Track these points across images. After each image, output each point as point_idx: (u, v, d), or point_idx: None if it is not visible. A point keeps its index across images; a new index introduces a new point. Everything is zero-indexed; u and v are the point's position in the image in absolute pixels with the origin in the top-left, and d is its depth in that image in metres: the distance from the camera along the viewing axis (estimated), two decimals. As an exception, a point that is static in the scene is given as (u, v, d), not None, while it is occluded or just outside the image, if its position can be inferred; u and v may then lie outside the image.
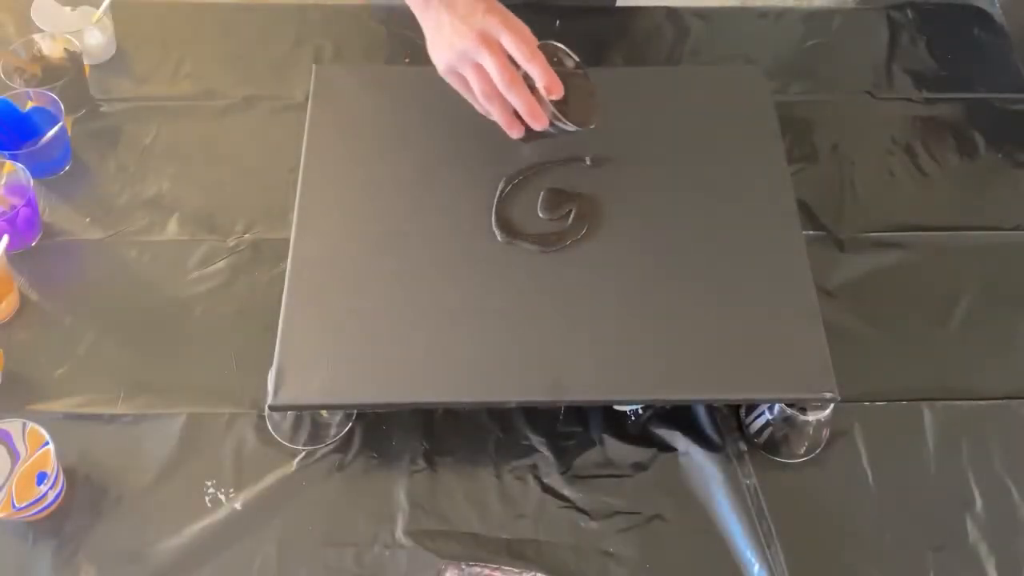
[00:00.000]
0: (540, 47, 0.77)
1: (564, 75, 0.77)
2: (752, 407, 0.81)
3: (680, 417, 0.82)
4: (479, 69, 0.76)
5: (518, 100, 0.76)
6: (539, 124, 0.77)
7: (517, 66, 0.76)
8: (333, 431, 0.80)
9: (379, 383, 0.75)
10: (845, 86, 1.07)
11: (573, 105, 0.78)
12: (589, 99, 0.80)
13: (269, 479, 0.78)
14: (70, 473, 0.78)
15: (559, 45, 0.80)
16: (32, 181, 0.88)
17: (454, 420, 0.82)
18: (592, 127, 0.79)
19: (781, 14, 1.13)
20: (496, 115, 0.79)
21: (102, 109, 1.00)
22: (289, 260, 0.81)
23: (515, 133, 0.80)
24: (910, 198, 0.98)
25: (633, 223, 0.85)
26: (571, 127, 0.78)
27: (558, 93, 0.76)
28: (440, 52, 0.78)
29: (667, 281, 0.81)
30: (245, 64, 1.04)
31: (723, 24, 1.12)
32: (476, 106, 0.81)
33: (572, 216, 0.85)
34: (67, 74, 0.96)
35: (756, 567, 0.75)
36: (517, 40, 0.75)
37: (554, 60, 0.78)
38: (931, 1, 1.15)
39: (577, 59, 0.81)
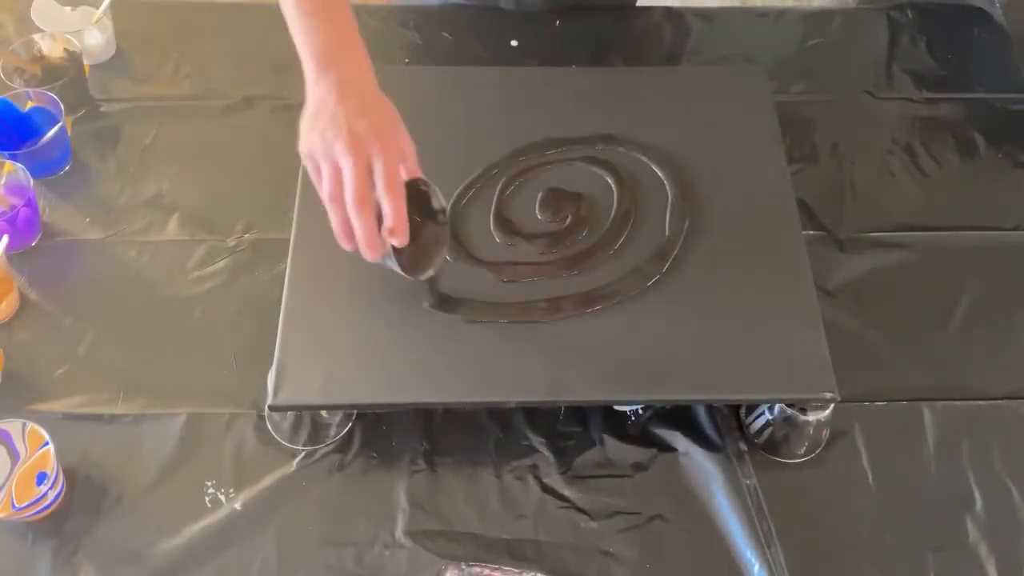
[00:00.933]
0: (409, 183, 0.70)
1: (419, 220, 0.72)
2: (752, 407, 0.81)
3: (680, 417, 0.82)
4: (336, 171, 0.68)
5: (359, 224, 0.68)
6: (369, 255, 0.70)
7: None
8: (333, 431, 0.80)
9: (379, 383, 0.75)
10: (845, 86, 1.07)
11: (412, 252, 0.72)
12: (434, 247, 0.75)
13: (269, 479, 0.78)
14: (70, 473, 0.78)
15: (431, 186, 0.73)
16: (32, 181, 0.88)
17: (454, 420, 0.82)
18: (426, 276, 0.75)
19: (781, 14, 1.13)
20: (332, 219, 0.70)
21: (102, 109, 1.00)
22: (289, 260, 0.81)
23: (344, 244, 0.71)
24: (910, 198, 0.98)
25: (633, 223, 0.85)
26: (399, 271, 0.72)
27: (399, 240, 0.69)
28: (309, 132, 0.70)
29: (667, 281, 0.81)
30: (245, 64, 1.04)
31: (723, 24, 1.12)
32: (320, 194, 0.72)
33: (571, 217, 0.85)
34: (67, 74, 0.97)
35: (756, 567, 0.75)
36: (388, 165, 0.68)
37: (417, 197, 0.72)
38: (931, 1, 1.15)
39: (444, 204, 0.75)
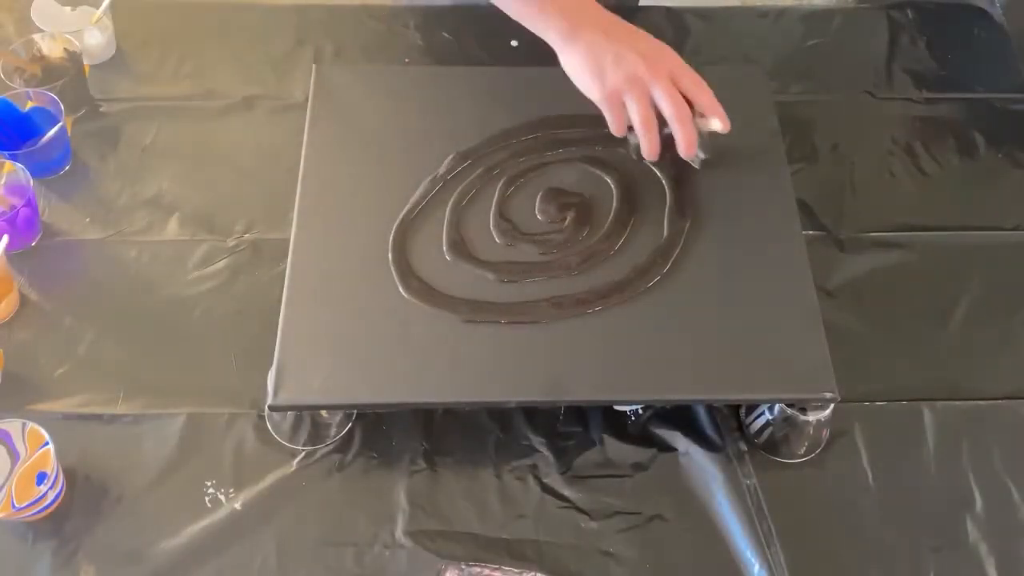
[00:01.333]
0: None
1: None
2: (752, 407, 0.81)
3: (680, 417, 0.82)
4: (646, 99, 0.77)
5: (685, 135, 0.78)
6: (687, 152, 0.80)
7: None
8: (333, 431, 0.80)
9: (379, 383, 0.75)
10: (845, 86, 1.07)
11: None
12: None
13: (269, 479, 0.78)
14: (70, 473, 0.78)
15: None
16: (32, 181, 0.88)
17: (454, 420, 0.82)
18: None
19: (781, 14, 1.13)
20: (645, 141, 0.80)
21: (102, 109, 1.00)
22: (289, 260, 0.81)
23: (655, 156, 0.81)
24: (910, 198, 0.98)
25: (633, 223, 0.85)
26: (703, 156, 0.83)
27: (725, 127, 0.80)
28: (601, 76, 0.78)
29: (667, 281, 0.81)
30: (245, 64, 1.04)
31: (723, 24, 1.12)
32: (613, 127, 0.81)
33: (571, 217, 0.85)
34: (67, 74, 0.96)
35: (756, 567, 0.75)
36: (687, 71, 0.79)
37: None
38: (931, 1, 1.15)
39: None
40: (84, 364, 0.83)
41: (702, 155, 0.82)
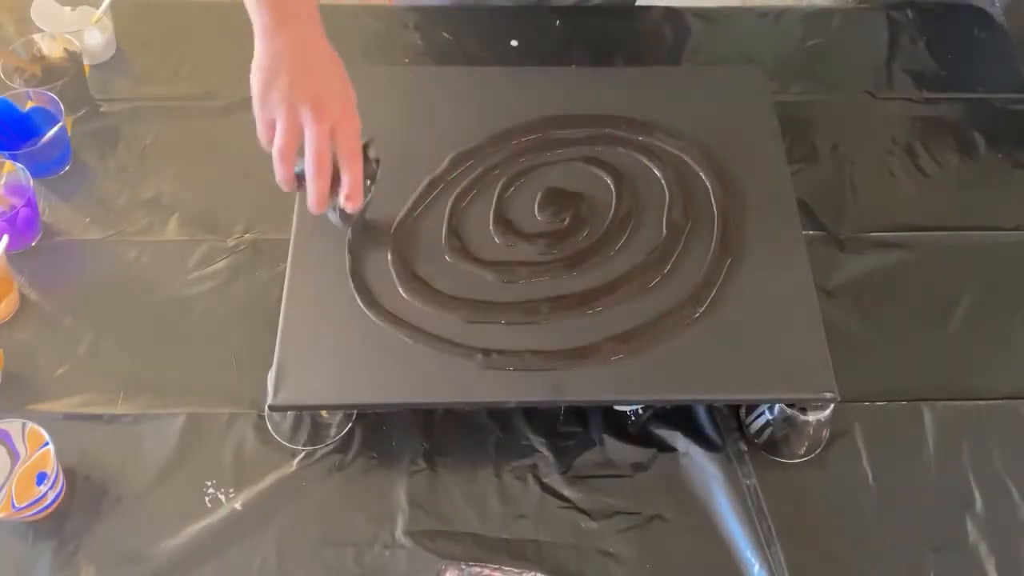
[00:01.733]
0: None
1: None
2: (752, 407, 0.81)
3: (680, 417, 0.82)
4: (292, 128, 0.72)
5: (317, 187, 0.73)
6: (316, 211, 0.75)
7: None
8: (333, 431, 0.80)
9: (379, 383, 0.75)
10: (845, 86, 1.07)
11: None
12: (367, 190, 0.79)
13: (269, 479, 0.78)
14: (70, 473, 0.78)
15: (367, 142, 0.78)
16: (32, 181, 0.88)
17: (454, 420, 0.82)
18: (356, 220, 0.80)
19: (781, 14, 1.13)
20: (277, 171, 0.74)
21: (102, 109, 1.00)
22: (289, 260, 0.81)
23: (286, 188, 0.76)
24: (910, 198, 0.98)
25: (633, 223, 0.85)
26: (337, 223, 0.80)
27: (355, 207, 0.75)
28: (267, 90, 0.73)
29: (667, 281, 0.81)
30: (245, 64, 1.03)
31: (723, 24, 1.12)
32: (260, 141, 0.76)
33: (571, 217, 0.85)
34: (67, 74, 0.97)
35: (756, 567, 0.75)
36: (351, 133, 0.73)
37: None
38: (931, 1, 1.15)
39: (377, 157, 0.80)
40: (84, 364, 0.83)
41: (334, 219, 0.79)
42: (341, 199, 0.75)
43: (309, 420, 0.79)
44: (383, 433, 0.81)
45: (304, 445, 0.80)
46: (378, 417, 0.82)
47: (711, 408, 0.82)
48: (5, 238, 0.83)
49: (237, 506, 0.77)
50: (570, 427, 0.82)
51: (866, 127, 1.03)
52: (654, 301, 0.80)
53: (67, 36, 0.98)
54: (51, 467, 0.74)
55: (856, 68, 1.08)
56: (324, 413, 0.79)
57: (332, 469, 0.79)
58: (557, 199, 0.86)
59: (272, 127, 0.73)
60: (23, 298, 0.87)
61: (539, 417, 0.82)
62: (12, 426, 0.75)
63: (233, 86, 1.02)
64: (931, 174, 1.00)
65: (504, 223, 0.84)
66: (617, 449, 0.81)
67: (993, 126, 1.04)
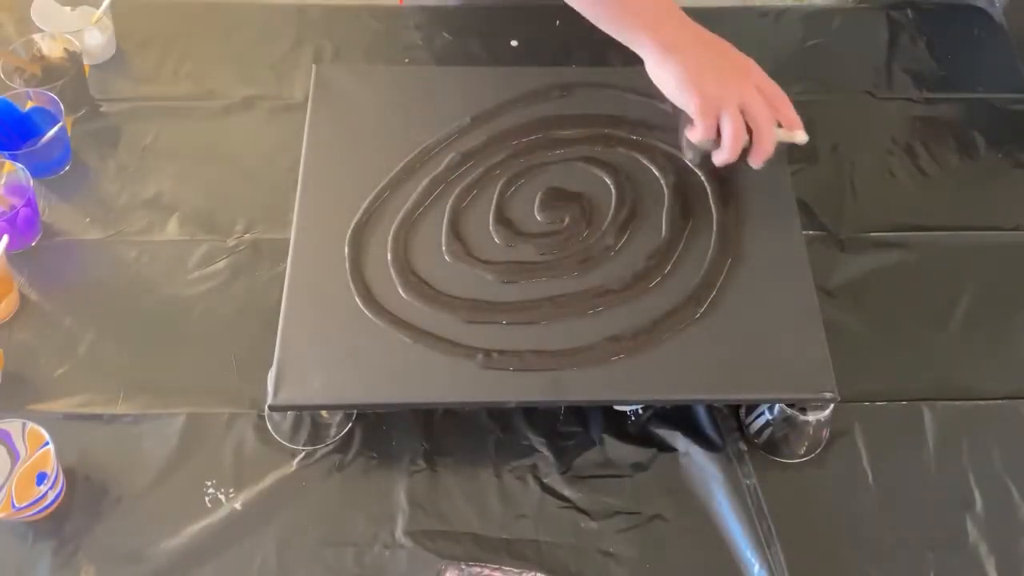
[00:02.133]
0: None
1: None
2: (752, 407, 0.81)
3: (680, 417, 0.82)
4: (738, 112, 0.79)
5: (764, 147, 0.81)
6: (759, 163, 0.82)
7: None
8: (333, 431, 0.80)
9: (379, 383, 0.75)
10: (845, 86, 1.07)
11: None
12: None
13: (269, 479, 0.78)
14: (70, 473, 0.78)
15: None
16: (32, 181, 0.88)
17: (454, 420, 0.82)
18: None
19: (781, 14, 1.13)
20: (729, 152, 0.81)
21: (102, 109, 1.00)
22: (289, 260, 0.81)
23: (728, 161, 0.82)
24: (910, 198, 0.98)
25: (633, 223, 0.85)
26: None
27: (805, 139, 0.83)
28: (708, 86, 0.80)
29: (667, 281, 0.81)
30: (245, 64, 1.04)
31: (723, 24, 1.10)
32: (699, 133, 0.81)
33: (571, 217, 0.85)
34: (67, 74, 0.96)
35: (756, 567, 0.75)
36: (774, 87, 0.82)
37: None
38: (931, 1, 1.15)
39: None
40: (84, 364, 0.83)
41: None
42: (798, 136, 0.83)
43: (309, 420, 0.79)
44: (383, 433, 0.81)
45: (304, 445, 0.80)
46: (378, 417, 0.82)
47: (711, 408, 0.82)
48: (5, 238, 0.83)
49: (237, 506, 0.77)
50: (570, 427, 0.82)
51: (866, 127, 1.03)
52: (654, 301, 0.80)
53: (67, 36, 0.98)
54: (51, 467, 0.74)
55: (856, 68, 1.08)
56: (324, 413, 0.79)
57: (332, 469, 0.79)
58: (557, 199, 0.86)
59: (715, 119, 0.80)
60: (23, 298, 0.87)
61: (539, 417, 0.82)
62: (12, 426, 0.75)
63: (233, 86, 1.02)
64: (931, 174, 1.00)
65: (504, 223, 0.84)
66: (617, 449, 0.81)
67: (993, 126, 1.04)
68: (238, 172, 0.96)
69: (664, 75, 0.81)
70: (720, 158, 0.82)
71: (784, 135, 0.82)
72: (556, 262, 0.82)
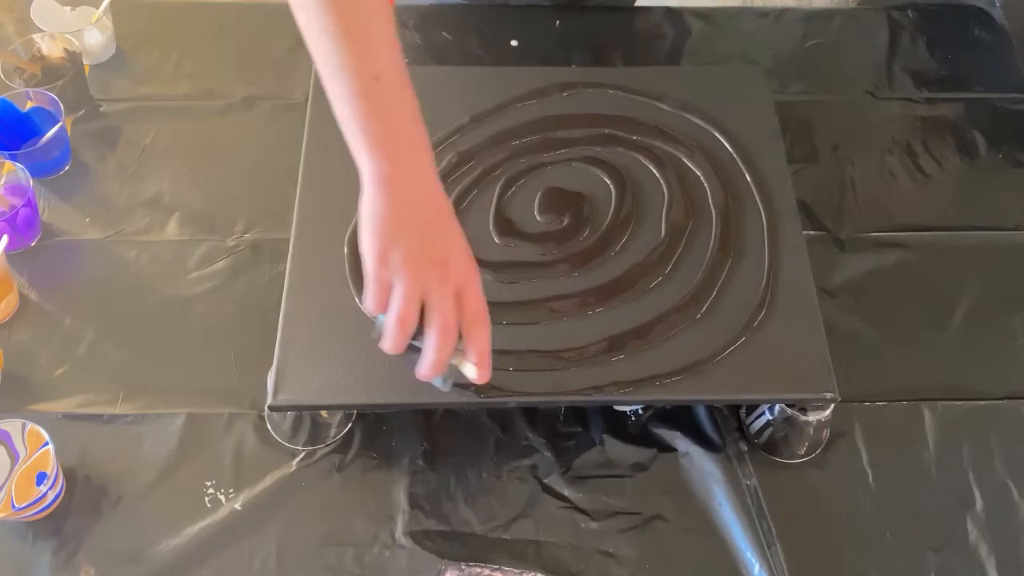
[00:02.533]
0: None
1: None
2: (752, 407, 0.81)
3: (680, 417, 0.82)
4: (412, 294, 0.64)
5: (437, 358, 0.65)
6: (430, 377, 0.67)
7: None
8: (333, 431, 0.80)
9: (379, 383, 0.75)
10: (845, 86, 1.07)
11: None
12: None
13: (269, 479, 0.78)
14: (70, 473, 0.78)
15: None
16: (32, 181, 0.88)
17: (454, 420, 0.82)
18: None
19: (781, 14, 1.13)
20: (393, 339, 0.65)
21: (102, 109, 1.00)
22: (289, 260, 0.81)
23: (394, 351, 0.67)
24: (910, 198, 0.98)
25: (633, 223, 0.85)
26: (445, 389, 0.71)
27: (485, 378, 0.67)
28: (383, 247, 0.64)
29: (667, 281, 0.81)
30: (245, 64, 1.04)
31: (723, 24, 1.12)
32: (367, 306, 0.67)
33: (571, 217, 0.85)
34: (67, 74, 0.96)
35: (756, 567, 0.75)
36: (476, 293, 0.66)
37: None
38: (931, 1, 1.15)
39: None
40: (84, 364, 0.83)
41: (442, 385, 0.70)
42: (468, 369, 0.67)
43: (309, 420, 0.79)
44: (383, 433, 0.81)
45: (304, 445, 0.80)
46: (378, 417, 0.82)
47: (711, 408, 0.82)
48: (5, 238, 0.83)
49: (237, 506, 0.77)
50: (570, 427, 0.82)
51: (866, 127, 1.03)
52: (654, 301, 0.80)
53: (67, 36, 0.98)
54: (51, 467, 0.74)
55: (856, 68, 1.08)
56: (324, 413, 0.79)
57: (332, 469, 0.79)
58: (557, 199, 0.86)
59: (387, 290, 0.65)
60: (23, 298, 0.87)
61: (539, 417, 0.82)
62: (12, 426, 0.75)
63: (233, 86, 1.02)
64: (931, 174, 1.00)
65: (504, 223, 0.84)
66: (617, 449, 0.81)
67: (993, 126, 1.04)
68: (238, 172, 0.96)
69: (369, 210, 0.65)
70: (383, 343, 0.67)
71: (458, 358, 0.68)
72: (556, 262, 0.82)
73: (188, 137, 0.98)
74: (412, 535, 0.76)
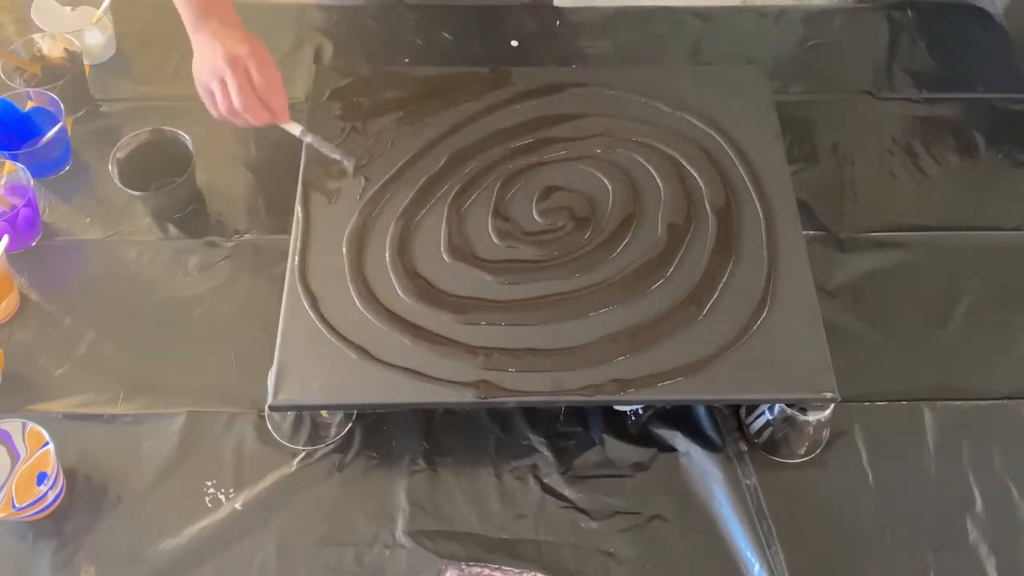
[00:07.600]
0: None
1: None
2: (752, 407, 0.81)
3: (680, 417, 0.82)
4: (224, 88, 0.83)
5: (250, 122, 0.85)
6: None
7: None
8: (333, 431, 0.80)
9: (379, 383, 0.75)
10: (845, 86, 1.07)
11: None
12: None
13: (269, 479, 0.78)
14: (70, 473, 0.78)
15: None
16: (32, 181, 0.88)
17: (454, 420, 0.82)
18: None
19: (781, 14, 1.13)
20: (236, 122, 0.86)
21: (102, 109, 1.00)
22: (289, 260, 0.81)
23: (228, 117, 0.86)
24: (910, 198, 0.98)
25: (633, 223, 0.85)
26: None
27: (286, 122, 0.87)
28: (198, 70, 0.85)
29: (668, 281, 0.81)
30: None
31: (723, 24, 1.12)
32: (212, 113, 0.87)
33: (571, 217, 0.85)
34: (67, 74, 0.97)
35: (756, 567, 0.75)
36: (263, 70, 0.83)
37: None
38: (931, 1, 1.15)
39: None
40: (84, 364, 0.83)
41: (296, 132, 0.87)
42: (291, 127, 0.87)
43: (309, 420, 0.79)
44: (383, 433, 0.81)
45: (304, 445, 0.80)
46: (378, 417, 0.82)
47: (711, 408, 0.82)
48: (5, 238, 0.83)
49: (237, 506, 0.77)
50: (570, 427, 0.82)
51: (866, 127, 1.03)
52: (654, 301, 0.80)
53: (67, 36, 0.98)
54: (51, 467, 0.74)
55: (856, 68, 1.08)
56: (324, 413, 0.79)
57: (332, 469, 0.79)
58: (556, 199, 0.86)
59: (211, 96, 0.85)
60: (23, 298, 0.87)
61: (539, 417, 0.82)
62: (12, 426, 0.75)
63: (233, 86, 1.02)
64: (931, 174, 1.00)
65: (504, 223, 0.84)
66: (617, 449, 0.81)
67: (993, 126, 1.04)
68: (238, 172, 0.96)
69: (198, 53, 0.86)
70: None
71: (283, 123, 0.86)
72: (556, 262, 0.82)
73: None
74: (412, 535, 0.76)
